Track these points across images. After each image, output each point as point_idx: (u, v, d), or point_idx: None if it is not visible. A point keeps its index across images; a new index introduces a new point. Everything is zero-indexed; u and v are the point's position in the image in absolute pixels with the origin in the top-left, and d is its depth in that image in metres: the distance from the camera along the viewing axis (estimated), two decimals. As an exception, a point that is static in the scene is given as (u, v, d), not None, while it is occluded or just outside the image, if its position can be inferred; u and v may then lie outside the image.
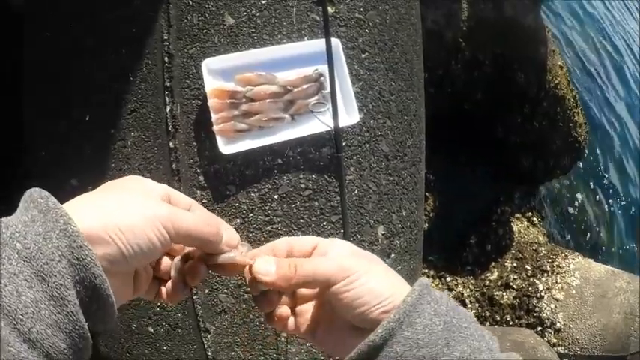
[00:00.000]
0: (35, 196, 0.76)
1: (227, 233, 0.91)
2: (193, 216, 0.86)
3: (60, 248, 0.72)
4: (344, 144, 1.75)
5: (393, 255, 1.90)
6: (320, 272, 0.87)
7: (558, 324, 3.50)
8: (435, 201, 3.99)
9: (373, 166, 1.83)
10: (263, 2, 1.71)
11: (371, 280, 0.86)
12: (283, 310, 0.94)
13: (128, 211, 0.79)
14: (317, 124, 1.68)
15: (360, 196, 1.81)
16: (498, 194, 4.52)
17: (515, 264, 3.97)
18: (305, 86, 1.69)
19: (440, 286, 3.93)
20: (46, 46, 1.83)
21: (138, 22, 1.70)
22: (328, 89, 1.70)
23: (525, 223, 4.63)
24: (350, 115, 1.72)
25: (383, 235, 1.87)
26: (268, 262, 0.89)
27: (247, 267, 0.90)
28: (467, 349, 0.84)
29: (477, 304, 3.85)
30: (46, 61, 1.84)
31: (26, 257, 0.70)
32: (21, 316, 0.67)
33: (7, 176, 2.05)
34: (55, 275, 0.70)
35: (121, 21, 1.72)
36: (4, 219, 0.73)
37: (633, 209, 6.48)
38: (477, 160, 4.36)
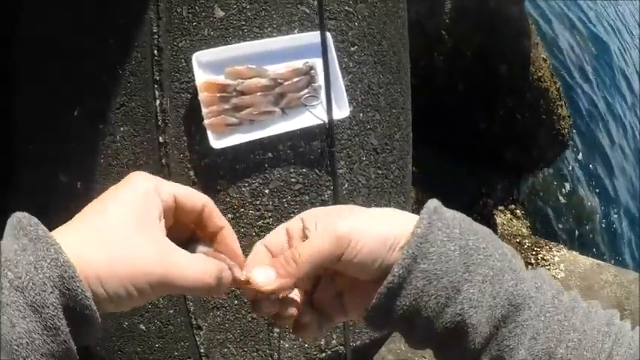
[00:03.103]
0: (24, 223, 0.75)
1: (235, 270, 0.85)
2: (191, 269, 0.81)
3: (52, 278, 0.72)
4: (326, 140, 1.75)
5: (383, 248, 1.90)
6: (319, 251, 0.82)
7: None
8: (417, 194, 3.99)
9: (363, 159, 1.83)
10: (253, -5, 1.71)
11: (371, 229, 0.82)
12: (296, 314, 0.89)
13: (113, 264, 0.77)
14: (308, 118, 1.68)
15: (350, 189, 1.81)
16: (481, 186, 4.54)
17: (499, 257, 4.00)
18: (295, 79, 1.69)
19: None
20: (34, 42, 1.82)
21: (127, 14, 1.68)
22: (318, 82, 1.70)
23: (509, 215, 4.65)
24: (340, 109, 1.71)
25: (372, 229, 1.86)
26: (263, 270, 0.85)
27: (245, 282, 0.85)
28: (489, 272, 0.82)
29: None
30: (34, 57, 1.83)
31: (18, 287, 0.70)
32: (16, 347, 0.68)
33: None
34: (48, 307, 0.71)
35: (110, 14, 1.70)
36: None
37: (617, 202, 6.53)
38: (459, 153, 4.37)
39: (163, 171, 1.67)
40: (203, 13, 1.68)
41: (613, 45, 9.20)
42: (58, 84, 1.78)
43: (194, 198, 0.88)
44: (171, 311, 1.74)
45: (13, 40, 1.89)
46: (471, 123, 4.20)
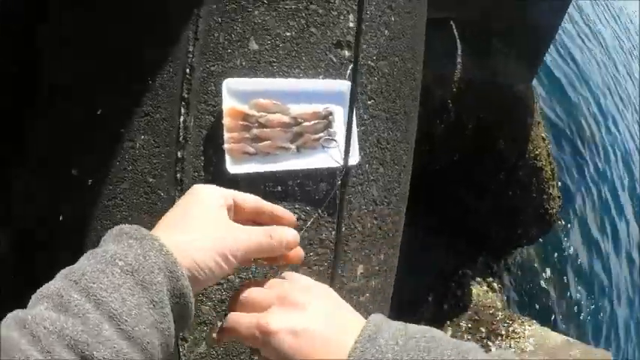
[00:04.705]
0: (126, 229, 0.96)
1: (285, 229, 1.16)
2: (254, 235, 1.07)
3: (158, 264, 0.89)
4: (339, 182, 1.84)
5: (367, 294, 1.98)
6: None
7: (509, 388, 3.56)
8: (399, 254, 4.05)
9: (362, 207, 1.91)
10: (287, 35, 1.80)
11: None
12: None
13: (202, 244, 0.98)
14: (320, 159, 1.77)
15: (346, 234, 1.88)
16: (462, 257, 4.60)
17: (470, 325, 4.04)
18: (314, 122, 1.78)
19: None
20: (73, 40, 1.89)
21: (166, 28, 1.77)
22: (334, 128, 1.79)
23: (485, 287, 4.71)
24: (352, 156, 1.80)
25: (361, 274, 1.95)
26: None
27: None
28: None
29: None
30: (72, 50, 1.90)
31: (128, 271, 0.86)
32: (125, 318, 0.82)
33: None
34: (155, 284, 0.87)
35: (152, 23, 1.79)
36: (97, 249, 0.92)
37: (595, 285, 6.62)
38: (444, 221, 4.44)
39: (177, 185, 1.75)
40: (238, 43, 1.77)
41: (620, 133, 9.35)
42: (91, 80, 1.85)
43: (245, 196, 1.16)
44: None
45: (40, 35, 1.96)
46: (460, 192, 4.26)
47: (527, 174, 4.28)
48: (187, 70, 1.76)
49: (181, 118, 1.75)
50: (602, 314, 6.55)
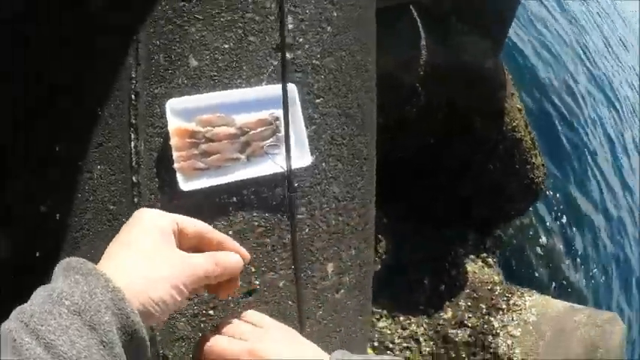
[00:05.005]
0: (73, 264, 0.95)
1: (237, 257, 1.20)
2: (201, 262, 1.09)
3: (104, 302, 0.88)
4: (296, 184, 1.84)
5: (342, 291, 1.99)
6: None
7: (515, 359, 3.55)
8: (388, 243, 4.05)
9: (324, 206, 1.92)
10: (226, 47, 1.81)
11: None
12: None
13: (155, 278, 0.99)
14: (271, 166, 1.78)
15: (311, 234, 1.90)
16: (452, 236, 4.59)
17: (469, 303, 4.03)
18: (261, 129, 1.79)
19: (393, 325, 3.97)
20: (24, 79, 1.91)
21: (109, 59, 1.79)
22: (282, 132, 1.80)
23: (480, 263, 4.70)
24: (303, 158, 1.82)
25: (332, 271, 1.96)
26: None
27: None
28: None
29: (430, 342, 3.89)
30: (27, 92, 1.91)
31: (75, 311, 0.86)
32: None
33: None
34: (104, 324, 0.86)
35: (95, 58, 1.80)
36: (47, 285, 0.92)
37: (589, 248, 6.61)
38: (431, 202, 4.44)
39: (135, 209, 1.75)
40: (178, 62, 1.78)
41: (593, 96, 9.35)
42: (45, 121, 1.86)
43: (189, 222, 1.16)
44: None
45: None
46: (443, 173, 4.25)
47: (508, 147, 4.28)
48: (133, 96, 1.77)
49: (132, 144, 1.77)
50: (601, 277, 6.55)
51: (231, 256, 1.18)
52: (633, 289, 6.95)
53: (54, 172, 1.85)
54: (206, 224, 1.22)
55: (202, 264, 1.08)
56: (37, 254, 1.85)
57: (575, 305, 3.93)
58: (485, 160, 4.24)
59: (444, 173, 4.23)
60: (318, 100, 1.92)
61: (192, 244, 1.17)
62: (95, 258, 1.79)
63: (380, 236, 3.97)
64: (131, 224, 1.10)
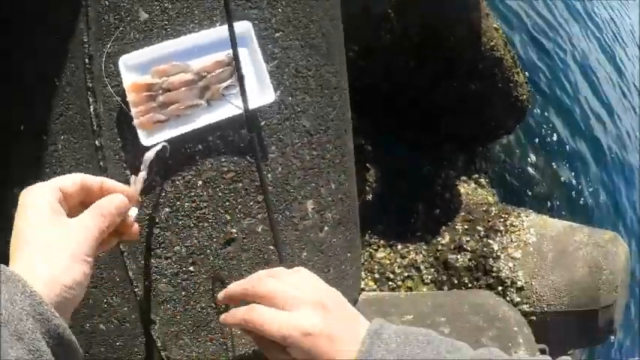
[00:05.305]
0: None
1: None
2: (90, 223, 1.06)
3: (25, 308, 0.85)
4: (263, 123, 1.79)
5: (326, 228, 1.94)
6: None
7: (519, 282, 3.49)
8: (377, 171, 4.00)
9: (295, 142, 1.86)
10: (174, -6, 1.74)
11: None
12: None
13: (61, 264, 0.97)
14: (231, 107, 1.71)
15: (285, 173, 1.84)
16: (442, 159, 4.53)
17: (466, 226, 3.97)
18: (218, 71, 1.72)
19: (392, 254, 3.93)
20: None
21: (60, 29, 1.73)
22: (241, 72, 1.73)
23: (472, 185, 4.63)
24: (265, 95, 1.74)
25: (313, 209, 1.90)
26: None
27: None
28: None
29: (432, 269, 3.85)
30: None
31: (2, 322, 0.83)
32: None
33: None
34: (27, 333, 0.84)
35: (44, 31, 1.74)
36: None
37: (582, 163, 6.53)
38: (417, 128, 4.37)
39: (103, 173, 1.71)
40: (128, 18, 1.71)
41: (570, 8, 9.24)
42: (4, 102, 1.81)
43: (65, 179, 1.11)
44: (125, 308, 1.78)
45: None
46: (426, 97, 4.18)
47: (488, 66, 4.16)
48: (87, 60, 1.71)
49: (91, 108, 1.71)
50: (594, 196, 6.46)
51: (113, 199, 1.13)
52: (627, 209, 6.87)
53: (18, 149, 1.80)
54: (80, 174, 1.15)
55: (92, 224, 1.06)
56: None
57: (574, 224, 3.83)
58: (467, 81, 4.13)
59: (426, 97, 4.14)
60: (277, 35, 1.84)
61: (77, 201, 1.13)
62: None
63: (368, 165, 3.90)
64: (19, 215, 1.06)
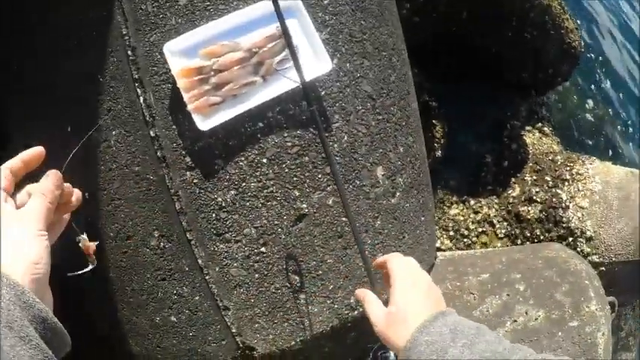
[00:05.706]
0: None
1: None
2: (34, 204, 1.09)
3: (11, 299, 0.91)
4: (323, 93, 1.73)
5: (398, 194, 1.88)
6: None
7: (588, 232, 3.43)
8: (443, 127, 3.92)
9: (358, 108, 1.80)
10: (213, -29, 1.69)
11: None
12: None
13: (24, 245, 1.01)
14: (288, 80, 1.65)
15: (351, 141, 1.78)
16: (505, 110, 4.46)
17: (535, 177, 3.92)
18: (270, 45, 1.66)
19: (465, 210, 3.90)
20: (16, 67, 1.82)
21: (96, 25, 1.69)
22: (295, 43, 1.67)
23: (537, 134, 4.55)
24: (321, 64, 1.68)
25: (383, 175, 1.84)
26: None
27: None
28: (467, 342, 1.15)
29: (505, 223, 3.81)
30: (20, 79, 1.83)
31: None
32: None
33: None
34: (16, 321, 0.89)
35: (81, 27, 1.70)
36: None
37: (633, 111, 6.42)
38: (476, 80, 4.32)
39: (161, 163, 1.66)
40: (167, 4, 1.67)
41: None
42: (45, 103, 1.79)
43: (10, 162, 1.13)
44: (196, 297, 1.75)
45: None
46: (482, 49, 4.14)
47: (538, 14, 4.10)
48: (129, 52, 1.67)
49: (141, 99, 1.67)
50: None
51: (49, 176, 1.15)
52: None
53: (70, 153, 1.76)
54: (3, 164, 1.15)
55: (38, 203, 1.10)
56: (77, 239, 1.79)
57: (634, 170, 3.76)
58: (520, 30, 4.08)
59: (484, 48, 4.09)
60: (325, 2, 1.77)
61: (19, 180, 1.15)
62: (137, 225, 1.73)
63: (434, 121, 3.84)
64: None
